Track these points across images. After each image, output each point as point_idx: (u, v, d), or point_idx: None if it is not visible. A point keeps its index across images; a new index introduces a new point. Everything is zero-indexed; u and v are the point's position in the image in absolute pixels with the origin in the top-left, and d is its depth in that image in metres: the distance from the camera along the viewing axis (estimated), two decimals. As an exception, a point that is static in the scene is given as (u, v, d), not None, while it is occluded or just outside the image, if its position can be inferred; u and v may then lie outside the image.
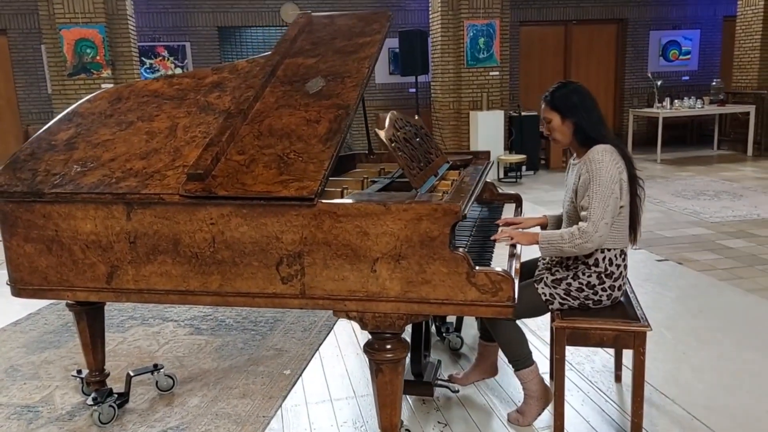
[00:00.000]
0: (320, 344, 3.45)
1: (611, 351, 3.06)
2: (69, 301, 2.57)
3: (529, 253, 2.58)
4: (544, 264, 2.54)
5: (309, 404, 2.82)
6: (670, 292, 3.97)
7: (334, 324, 3.70)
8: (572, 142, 2.34)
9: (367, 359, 2.19)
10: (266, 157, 2.17)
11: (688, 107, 9.67)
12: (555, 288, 2.36)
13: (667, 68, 11.56)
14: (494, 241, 2.37)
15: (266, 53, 2.86)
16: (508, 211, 2.98)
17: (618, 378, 2.88)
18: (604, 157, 2.22)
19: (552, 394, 2.49)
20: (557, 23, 11.36)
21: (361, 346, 3.37)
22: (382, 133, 2.29)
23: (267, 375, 3.09)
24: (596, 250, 2.30)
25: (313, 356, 3.30)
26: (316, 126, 2.28)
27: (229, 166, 2.16)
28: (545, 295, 2.36)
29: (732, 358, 3.06)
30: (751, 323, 3.49)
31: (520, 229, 2.61)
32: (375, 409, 2.24)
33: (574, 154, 2.44)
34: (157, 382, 2.91)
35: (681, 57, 11.65)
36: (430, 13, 9.37)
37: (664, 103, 9.63)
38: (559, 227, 2.59)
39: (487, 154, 3.17)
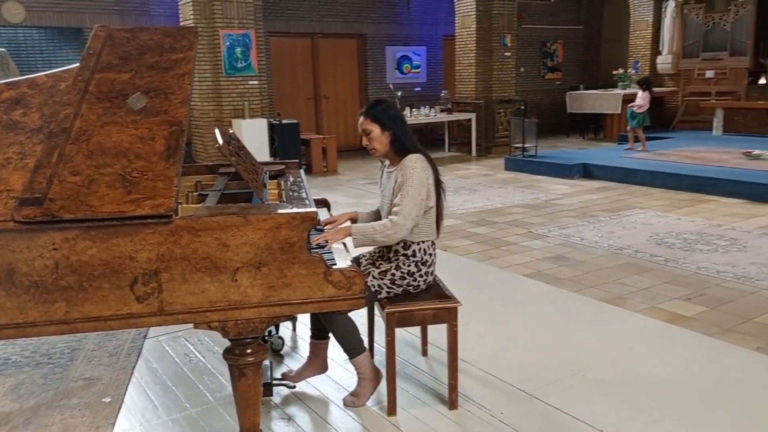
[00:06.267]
0: (134, 366, 3.33)
1: (413, 330, 3.52)
2: None
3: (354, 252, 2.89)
4: (367, 260, 2.87)
5: (143, 427, 2.75)
6: (445, 275, 4.56)
7: (142, 345, 3.59)
8: (389, 151, 2.71)
9: (227, 365, 2.28)
10: (107, 176, 2.12)
11: (424, 115, 10.98)
12: (382, 279, 2.70)
13: (403, 80, 12.91)
14: (319, 244, 2.62)
15: (67, 67, 2.71)
16: (320, 215, 3.25)
17: (425, 352, 3.35)
18: (416, 164, 2.62)
19: (382, 375, 2.83)
20: (304, 35, 11.94)
21: (177, 361, 3.36)
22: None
23: (84, 406, 2.92)
24: (413, 243, 2.70)
25: (130, 380, 3.19)
26: (153, 143, 2.29)
27: (66, 188, 2.06)
28: (374, 287, 2.69)
29: (505, 322, 3.76)
30: (510, 293, 4.28)
31: (338, 226, 2.89)
32: (237, 413, 2.32)
33: (387, 162, 2.81)
34: (-45, 436, 2.57)
35: (412, 70, 13.11)
36: (180, 20, 9.17)
37: (405, 112, 10.79)
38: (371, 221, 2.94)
39: (297, 163, 3.39)
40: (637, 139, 10.17)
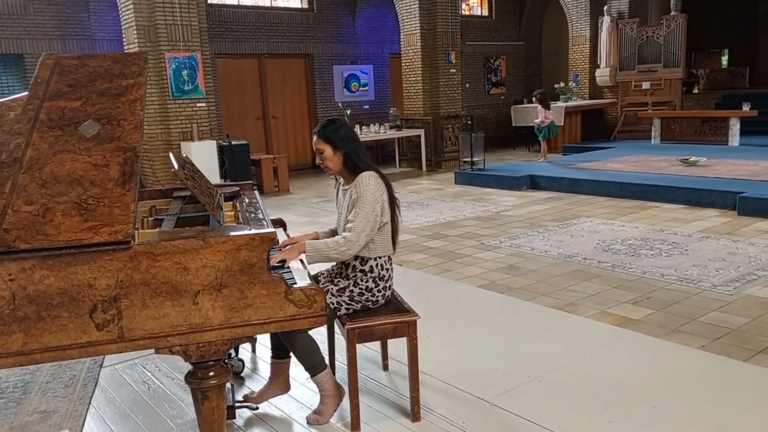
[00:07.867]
0: (91, 396, 3.26)
1: (374, 345, 3.56)
2: None
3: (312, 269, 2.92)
4: (325, 278, 2.91)
5: (104, 457, 2.71)
6: (402, 289, 4.63)
7: (99, 374, 3.52)
8: (342, 170, 2.77)
9: (190, 390, 2.27)
10: (62, 205, 2.11)
11: (374, 132, 11.11)
12: (340, 296, 2.74)
13: (351, 98, 13.03)
14: (281, 262, 2.65)
15: (15, 96, 2.69)
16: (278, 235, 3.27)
17: (385, 367, 3.39)
18: (370, 181, 2.69)
19: (344, 391, 2.86)
20: (251, 56, 11.93)
21: (135, 389, 3.31)
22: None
23: (41, 441, 2.85)
24: (370, 259, 2.76)
25: (87, 411, 3.12)
26: (107, 170, 2.28)
27: (20, 218, 2.04)
28: (333, 304, 2.73)
29: (461, 333, 3.84)
30: (466, 304, 4.38)
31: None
32: (201, 437, 2.32)
33: (342, 180, 2.86)
34: None
35: (360, 88, 13.25)
36: (124, 44, 9.06)
37: (356, 130, 10.90)
38: None
39: (251, 184, 3.41)
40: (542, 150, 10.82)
